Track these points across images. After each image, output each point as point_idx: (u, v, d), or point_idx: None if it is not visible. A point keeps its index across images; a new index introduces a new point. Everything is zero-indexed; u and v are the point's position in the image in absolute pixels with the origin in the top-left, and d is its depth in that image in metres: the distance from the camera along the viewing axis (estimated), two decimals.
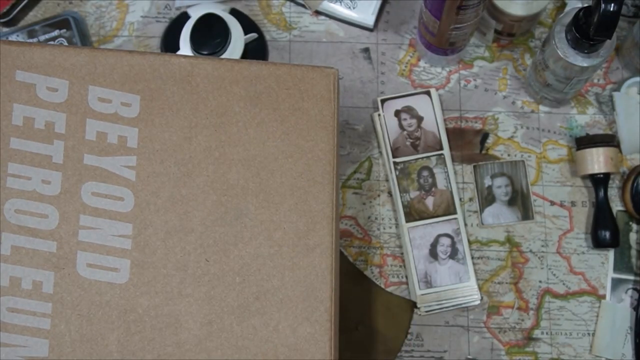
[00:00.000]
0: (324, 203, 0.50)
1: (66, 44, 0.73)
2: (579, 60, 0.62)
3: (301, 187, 0.50)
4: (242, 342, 0.48)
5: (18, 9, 0.75)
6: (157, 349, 0.47)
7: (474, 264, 0.69)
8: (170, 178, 0.49)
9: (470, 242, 0.69)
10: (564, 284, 0.69)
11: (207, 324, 0.48)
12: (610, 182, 0.69)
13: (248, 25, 0.73)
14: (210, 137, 0.50)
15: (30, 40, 0.73)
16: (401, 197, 0.69)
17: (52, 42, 0.73)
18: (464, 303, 0.68)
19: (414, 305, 0.68)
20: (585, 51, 0.61)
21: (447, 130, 0.72)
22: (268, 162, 0.50)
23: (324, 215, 0.49)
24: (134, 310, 0.48)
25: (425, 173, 0.70)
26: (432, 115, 0.71)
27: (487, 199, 0.70)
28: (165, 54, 0.52)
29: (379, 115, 0.72)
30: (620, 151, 0.70)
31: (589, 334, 0.68)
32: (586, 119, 0.72)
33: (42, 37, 0.73)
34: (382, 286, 0.69)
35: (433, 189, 0.70)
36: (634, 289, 0.68)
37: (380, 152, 0.72)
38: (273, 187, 0.50)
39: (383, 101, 0.72)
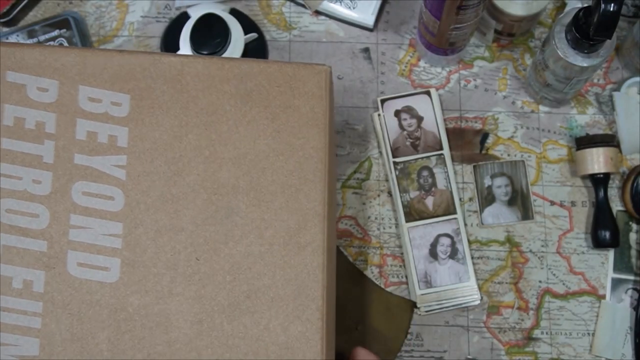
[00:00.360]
0: (316, 201, 0.49)
1: (66, 44, 0.73)
2: (579, 60, 0.62)
3: (292, 185, 0.49)
4: (232, 340, 0.47)
5: (18, 9, 0.75)
6: (147, 347, 0.47)
7: (473, 263, 0.69)
8: (160, 177, 0.49)
9: (470, 242, 0.69)
10: (563, 284, 0.69)
11: (197, 323, 0.47)
12: (610, 182, 0.69)
13: (248, 25, 0.73)
14: (201, 135, 0.50)
15: (31, 41, 0.73)
16: (401, 197, 0.69)
17: (52, 42, 0.73)
18: (464, 303, 0.68)
19: (413, 305, 0.68)
20: (585, 51, 0.61)
21: (447, 130, 0.72)
22: (259, 160, 0.50)
23: (316, 213, 0.49)
24: (124, 309, 0.47)
25: (425, 173, 0.70)
26: (432, 115, 0.71)
27: (487, 199, 0.70)
28: (156, 52, 0.52)
29: (379, 115, 0.72)
30: (620, 151, 0.70)
31: (588, 334, 0.68)
32: (586, 119, 0.72)
33: (42, 37, 0.73)
34: (382, 286, 0.69)
35: (433, 189, 0.70)
36: (634, 289, 0.68)
37: (380, 152, 0.72)
38: (264, 185, 0.49)
39: (383, 101, 0.72)
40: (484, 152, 0.72)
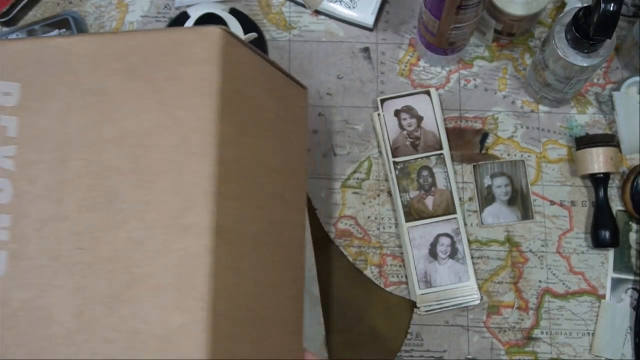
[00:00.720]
0: (202, 177, 0.44)
1: None
2: (579, 60, 0.62)
3: (176, 161, 0.45)
4: (111, 334, 0.44)
5: (18, 8, 0.75)
6: (29, 344, 0.45)
7: (474, 263, 0.69)
8: (47, 165, 0.47)
9: (470, 242, 0.69)
10: (564, 284, 0.69)
11: (77, 316, 0.45)
12: (610, 182, 0.69)
13: (248, 25, 0.73)
14: (86, 118, 0.47)
15: None
16: (401, 197, 0.69)
17: None
18: (464, 303, 0.68)
19: (414, 305, 0.68)
20: (585, 51, 0.61)
21: (447, 130, 0.72)
22: (142, 138, 0.46)
23: (202, 192, 0.44)
24: (8, 305, 0.46)
25: (425, 173, 0.70)
26: (432, 115, 0.71)
27: (487, 198, 0.70)
28: (45, 37, 0.49)
29: (379, 115, 0.72)
30: (620, 151, 0.70)
31: (589, 334, 0.68)
32: (586, 118, 0.72)
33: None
34: (382, 286, 0.69)
35: (433, 189, 0.70)
36: (634, 289, 0.68)
37: (380, 152, 0.72)
38: (147, 165, 0.45)
39: (383, 101, 0.72)
40: (484, 152, 0.72)
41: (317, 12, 0.75)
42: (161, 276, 0.44)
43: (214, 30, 0.46)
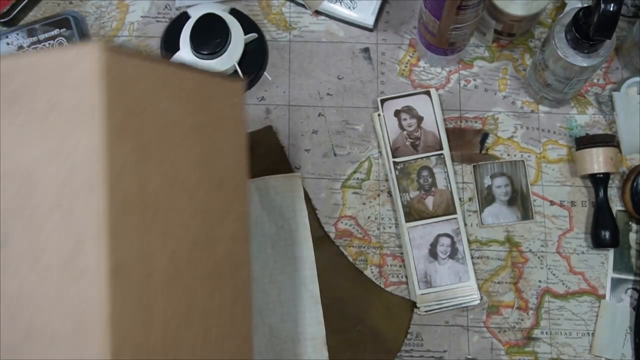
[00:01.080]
0: (92, 214, 0.40)
1: (66, 43, 0.73)
2: (579, 60, 0.62)
3: (65, 199, 0.40)
4: None
5: (18, 8, 0.75)
6: None
7: (473, 263, 0.69)
8: None
9: (470, 242, 0.69)
10: (563, 283, 0.69)
11: None
12: (610, 182, 0.69)
13: (248, 25, 0.73)
14: None
15: (30, 40, 0.73)
16: (401, 197, 0.69)
17: (51, 42, 0.73)
18: (464, 303, 0.68)
19: (413, 305, 0.68)
20: (585, 51, 0.61)
21: (447, 130, 0.72)
22: (30, 173, 0.41)
23: (93, 231, 0.40)
24: None
25: (425, 173, 0.70)
26: (432, 115, 0.71)
27: (486, 198, 0.70)
28: None
29: (379, 115, 0.72)
30: (620, 151, 0.70)
31: (588, 333, 0.68)
32: (586, 119, 0.72)
33: (42, 36, 0.73)
34: (382, 286, 0.69)
35: (433, 189, 0.70)
36: (634, 288, 0.68)
37: (380, 152, 0.72)
38: (36, 202, 0.41)
39: (383, 101, 0.72)
40: (483, 152, 0.72)
41: (317, 12, 0.75)
42: (58, 325, 0.40)
43: (92, 49, 0.40)
